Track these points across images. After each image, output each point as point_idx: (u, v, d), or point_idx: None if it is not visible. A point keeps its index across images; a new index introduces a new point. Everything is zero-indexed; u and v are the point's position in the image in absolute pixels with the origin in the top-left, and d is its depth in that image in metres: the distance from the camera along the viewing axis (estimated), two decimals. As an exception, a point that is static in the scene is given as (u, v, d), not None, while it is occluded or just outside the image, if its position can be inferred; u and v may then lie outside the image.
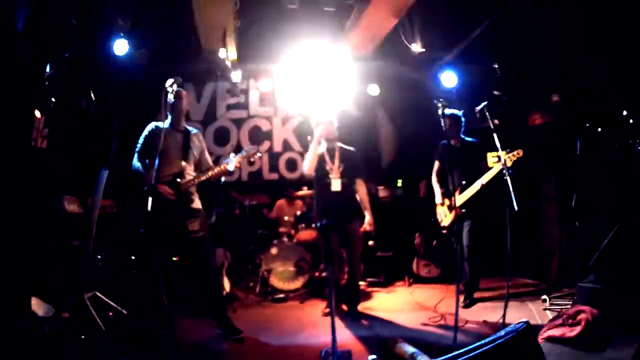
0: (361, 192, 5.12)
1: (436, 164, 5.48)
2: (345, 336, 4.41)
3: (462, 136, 5.25)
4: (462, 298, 5.20)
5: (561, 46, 5.42)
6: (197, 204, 4.34)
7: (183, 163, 4.22)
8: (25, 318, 3.57)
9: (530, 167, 4.60)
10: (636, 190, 4.57)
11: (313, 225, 6.16)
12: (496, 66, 5.55)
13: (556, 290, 5.24)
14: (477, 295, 5.41)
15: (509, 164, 4.25)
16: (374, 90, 7.76)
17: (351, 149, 5.18)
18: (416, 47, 6.08)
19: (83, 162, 5.49)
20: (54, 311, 4.09)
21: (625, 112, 5.00)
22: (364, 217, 5.08)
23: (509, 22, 5.46)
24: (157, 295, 4.18)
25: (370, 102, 8.12)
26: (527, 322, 2.54)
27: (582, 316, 3.66)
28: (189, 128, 4.44)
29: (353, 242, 5.03)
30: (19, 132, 4.65)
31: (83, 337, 3.97)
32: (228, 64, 7.05)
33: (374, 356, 3.56)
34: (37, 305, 3.94)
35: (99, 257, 4.84)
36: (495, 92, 5.01)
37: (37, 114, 4.77)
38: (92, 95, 5.37)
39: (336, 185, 4.92)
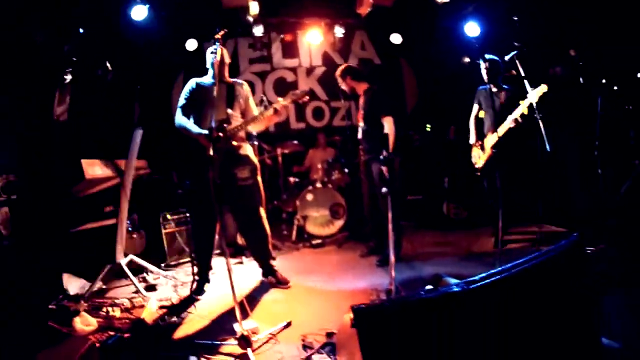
0: (385, 129, 4.25)
1: (475, 107, 4.89)
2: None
3: (500, 82, 4.63)
4: (492, 240, 4.82)
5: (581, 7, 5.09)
6: (245, 150, 3.85)
7: (229, 110, 3.73)
8: (57, 299, 3.01)
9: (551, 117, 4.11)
10: None
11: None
12: (516, 19, 4.77)
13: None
14: (506, 238, 4.84)
15: (536, 98, 3.89)
16: (397, 39, 7.20)
17: (374, 88, 4.50)
18: None
19: (110, 127, 4.84)
20: (88, 285, 3.52)
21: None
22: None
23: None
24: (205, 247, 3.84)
25: (393, 51, 7.59)
26: (579, 234, 2.01)
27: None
28: (233, 79, 3.98)
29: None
30: (40, 110, 4.09)
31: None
32: (249, 19, 6.37)
33: (431, 286, 3.25)
34: (69, 282, 3.37)
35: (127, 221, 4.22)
36: (516, 44, 4.26)
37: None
38: (107, 65, 4.69)
39: (360, 132, 4.55)
